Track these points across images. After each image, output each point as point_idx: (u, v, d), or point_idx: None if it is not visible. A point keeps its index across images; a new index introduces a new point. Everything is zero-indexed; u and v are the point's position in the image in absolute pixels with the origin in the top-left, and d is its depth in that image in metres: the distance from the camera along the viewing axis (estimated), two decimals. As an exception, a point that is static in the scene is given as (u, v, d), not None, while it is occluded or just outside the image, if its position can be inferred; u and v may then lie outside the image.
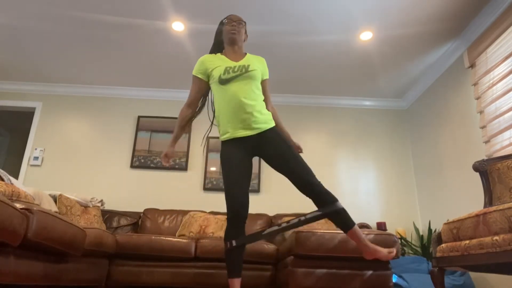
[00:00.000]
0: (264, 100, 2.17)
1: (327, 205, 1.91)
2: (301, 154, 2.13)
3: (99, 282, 2.70)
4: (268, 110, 2.18)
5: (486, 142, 3.12)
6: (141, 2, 3.14)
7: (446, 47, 3.63)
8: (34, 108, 4.56)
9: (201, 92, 2.21)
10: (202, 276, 2.98)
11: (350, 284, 2.43)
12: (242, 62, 2.13)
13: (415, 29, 3.37)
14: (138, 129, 4.48)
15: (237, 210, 1.88)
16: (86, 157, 4.38)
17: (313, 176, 1.97)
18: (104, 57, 3.99)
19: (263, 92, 2.20)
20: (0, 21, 3.43)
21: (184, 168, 4.35)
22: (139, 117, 4.54)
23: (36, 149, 4.35)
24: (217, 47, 2.28)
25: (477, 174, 2.41)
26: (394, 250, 1.92)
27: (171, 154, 2.19)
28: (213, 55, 2.23)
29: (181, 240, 3.05)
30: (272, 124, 2.10)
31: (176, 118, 4.52)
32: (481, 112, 3.20)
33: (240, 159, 2.00)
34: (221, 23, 2.26)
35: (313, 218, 1.91)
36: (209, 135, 4.49)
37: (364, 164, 4.49)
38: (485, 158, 2.45)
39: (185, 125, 2.23)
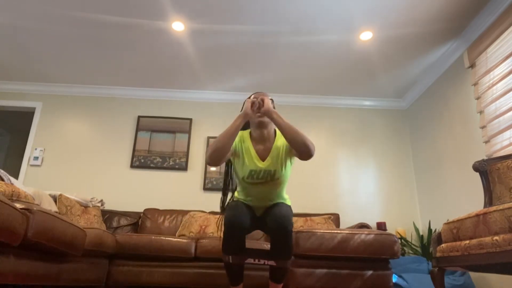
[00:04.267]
0: None
1: (279, 255, 1.91)
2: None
3: (99, 282, 2.70)
4: None
5: (486, 142, 3.12)
6: (141, 2, 3.14)
7: (446, 47, 3.63)
8: (34, 108, 4.56)
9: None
10: (202, 276, 2.98)
11: (350, 284, 2.43)
12: (268, 164, 2.00)
13: (415, 29, 3.37)
14: (138, 129, 4.48)
15: (232, 219, 1.84)
16: (86, 157, 4.38)
17: (290, 223, 1.86)
18: (104, 57, 3.99)
19: None
20: (0, 21, 3.43)
21: (184, 168, 4.35)
22: (139, 117, 4.54)
23: (36, 149, 4.36)
24: (244, 126, 2.09)
25: (477, 174, 2.41)
26: None
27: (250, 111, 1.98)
28: (240, 134, 2.08)
29: (181, 240, 3.05)
30: (282, 201, 2.11)
31: (176, 118, 4.53)
32: (481, 112, 3.20)
33: (248, 208, 2.04)
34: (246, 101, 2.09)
35: (264, 255, 1.97)
36: (209, 135, 4.49)
37: (364, 164, 4.49)
38: (485, 158, 2.45)
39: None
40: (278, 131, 2.10)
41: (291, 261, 1.95)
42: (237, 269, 1.95)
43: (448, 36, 3.47)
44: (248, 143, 2.04)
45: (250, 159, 2.00)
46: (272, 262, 1.92)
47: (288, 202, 2.14)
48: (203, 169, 4.36)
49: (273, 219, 1.84)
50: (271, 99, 2.07)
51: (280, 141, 2.05)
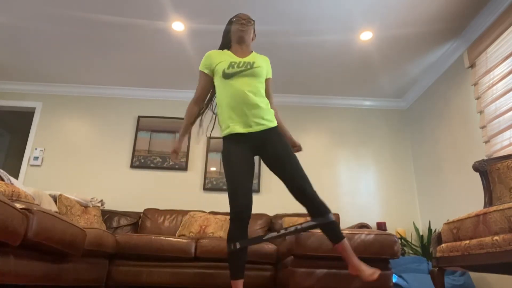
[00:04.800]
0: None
1: (319, 215, 1.91)
2: (301, 154, 2.13)
3: (99, 282, 2.70)
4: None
5: (486, 142, 3.12)
6: (141, 2, 3.14)
7: (446, 47, 3.63)
8: (34, 108, 4.56)
9: (207, 88, 2.20)
10: (202, 276, 2.98)
11: (350, 284, 2.43)
12: (247, 59, 2.12)
13: (415, 29, 3.37)
14: (138, 129, 4.48)
15: (240, 212, 1.86)
16: (86, 157, 4.38)
17: (309, 184, 1.94)
18: (104, 57, 3.99)
19: (266, 90, 2.18)
20: (0, 21, 3.43)
21: (184, 168, 4.35)
22: (139, 117, 4.54)
23: (36, 149, 4.36)
24: (225, 46, 2.26)
25: (477, 174, 2.41)
26: (377, 272, 1.84)
27: (179, 149, 2.17)
28: (220, 51, 2.22)
29: (181, 240, 3.05)
30: (274, 123, 2.08)
31: (176, 118, 4.53)
32: (481, 112, 3.20)
33: (242, 157, 1.98)
34: (230, 22, 2.26)
35: (308, 227, 1.92)
36: (210, 136, 4.49)
37: (364, 164, 4.49)
38: (485, 158, 2.45)
39: (193, 121, 2.23)
40: (254, 52, 2.23)
41: (332, 214, 1.91)
42: (241, 257, 1.90)
43: (448, 36, 3.47)
44: (228, 52, 2.18)
45: (230, 57, 2.13)
46: (312, 223, 1.90)
47: (275, 122, 2.10)
48: (203, 169, 4.36)
49: (293, 187, 1.92)
50: (253, 20, 2.23)
51: (261, 59, 2.18)
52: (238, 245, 1.87)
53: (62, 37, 3.67)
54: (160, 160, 4.36)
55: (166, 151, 4.40)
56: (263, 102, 2.06)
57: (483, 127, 3.16)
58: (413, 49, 3.67)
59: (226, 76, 2.05)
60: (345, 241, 1.91)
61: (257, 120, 2.01)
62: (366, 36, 3.48)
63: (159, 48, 3.79)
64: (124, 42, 3.71)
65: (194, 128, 4.80)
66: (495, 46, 3.00)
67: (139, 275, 2.94)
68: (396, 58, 3.84)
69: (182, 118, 4.53)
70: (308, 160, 4.42)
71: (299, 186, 1.91)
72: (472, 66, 3.32)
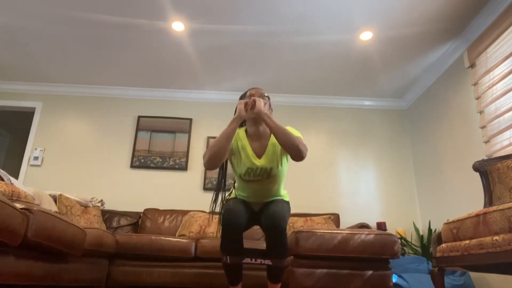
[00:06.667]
0: None
1: (275, 254, 1.90)
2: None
3: (99, 282, 2.70)
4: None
5: (486, 142, 3.12)
6: (141, 2, 3.14)
7: (446, 47, 3.63)
8: (34, 108, 4.56)
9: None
10: (202, 276, 2.98)
11: (350, 284, 2.43)
12: (265, 161, 2.01)
13: (415, 29, 3.37)
14: (138, 129, 4.48)
15: (228, 219, 1.84)
16: (86, 157, 4.38)
17: (284, 221, 1.86)
18: (104, 57, 3.99)
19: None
20: (0, 21, 3.43)
21: (184, 168, 4.35)
22: (139, 117, 4.53)
23: (36, 149, 4.35)
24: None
25: (477, 174, 2.41)
26: None
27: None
28: (236, 132, 2.04)
29: (181, 240, 3.05)
30: (280, 197, 2.13)
31: (176, 118, 4.53)
32: (481, 112, 3.20)
33: (245, 206, 2.06)
34: (241, 98, 2.11)
35: (261, 255, 1.96)
36: (209, 135, 4.49)
37: (364, 164, 4.49)
38: (485, 158, 2.45)
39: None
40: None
41: (287, 260, 1.95)
42: (236, 269, 1.95)
43: (448, 36, 3.47)
44: (245, 141, 2.06)
45: (246, 157, 2.02)
46: (268, 262, 1.92)
47: (286, 198, 2.16)
48: (203, 169, 4.36)
49: (267, 216, 1.85)
50: (267, 96, 2.08)
51: None
52: (228, 260, 1.87)
53: (62, 37, 3.67)
54: (160, 160, 4.36)
55: (166, 151, 4.40)
56: (278, 190, 2.12)
57: (483, 127, 3.16)
58: (413, 49, 3.67)
59: (243, 179, 2.07)
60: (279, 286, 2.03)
61: (267, 200, 2.10)
62: (366, 36, 3.48)
63: (159, 48, 3.79)
64: (124, 42, 3.71)
65: (194, 128, 4.76)
66: (495, 46, 3.00)
67: (139, 275, 2.94)
68: (396, 58, 3.84)
69: (182, 118, 4.54)
70: (308, 160, 4.42)
71: (273, 218, 1.86)
72: (472, 66, 3.32)
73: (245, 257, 1.93)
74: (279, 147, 2.02)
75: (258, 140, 2.06)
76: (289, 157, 2.07)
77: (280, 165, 2.03)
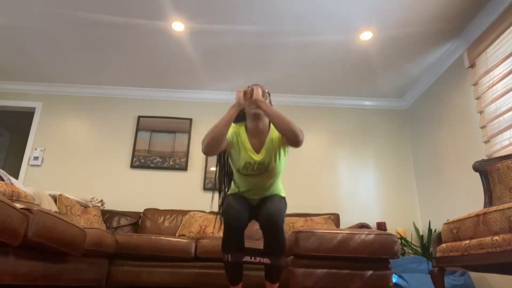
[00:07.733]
0: None
1: (272, 252, 1.93)
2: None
3: (99, 282, 2.70)
4: None
5: (486, 142, 3.12)
6: (141, 2, 3.14)
7: (446, 47, 3.63)
8: (34, 108, 4.56)
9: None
10: (202, 276, 2.98)
11: (350, 284, 2.43)
12: (263, 156, 2.06)
13: (415, 29, 3.37)
14: (138, 129, 4.48)
15: (231, 218, 1.88)
16: (86, 157, 4.38)
17: (281, 220, 1.91)
18: (104, 57, 3.99)
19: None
20: (0, 21, 3.43)
21: (184, 168, 4.35)
22: (139, 117, 4.53)
23: (36, 149, 4.35)
24: (241, 119, 2.18)
25: (477, 174, 2.41)
26: None
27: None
28: (236, 127, 2.14)
29: (181, 240, 3.05)
30: (277, 193, 2.17)
31: (176, 118, 4.53)
32: (481, 112, 3.20)
33: (245, 203, 2.09)
34: None
35: (260, 254, 1.99)
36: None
37: (364, 164, 4.49)
38: (485, 158, 2.45)
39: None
40: (272, 129, 2.16)
41: (285, 260, 1.97)
42: (236, 268, 1.96)
43: (448, 36, 3.47)
44: (244, 136, 2.11)
45: (245, 152, 2.07)
46: (266, 260, 1.94)
47: (283, 194, 2.21)
48: (203, 169, 4.36)
49: (264, 215, 1.89)
50: (268, 92, 2.14)
51: (275, 133, 2.12)
52: (229, 258, 1.89)
53: (62, 37, 3.67)
54: (160, 160, 4.36)
55: (166, 151, 4.40)
56: (275, 184, 2.16)
57: (483, 127, 3.16)
58: (413, 49, 3.67)
59: (241, 173, 2.10)
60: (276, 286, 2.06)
61: (265, 195, 2.15)
62: (366, 36, 3.48)
63: (159, 48, 3.79)
64: (124, 42, 3.71)
65: (194, 128, 4.76)
66: (495, 46, 3.00)
67: (139, 275, 2.94)
68: (396, 58, 3.84)
69: (182, 118, 4.54)
70: (308, 160, 4.42)
71: (270, 216, 1.91)
72: (472, 66, 3.32)
73: (245, 256, 1.94)
74: (276, 142, 2.08)
75: (257, 136, 2.12)
76: (287, 150, 2.14)
77: (278, 159, 2.08)
